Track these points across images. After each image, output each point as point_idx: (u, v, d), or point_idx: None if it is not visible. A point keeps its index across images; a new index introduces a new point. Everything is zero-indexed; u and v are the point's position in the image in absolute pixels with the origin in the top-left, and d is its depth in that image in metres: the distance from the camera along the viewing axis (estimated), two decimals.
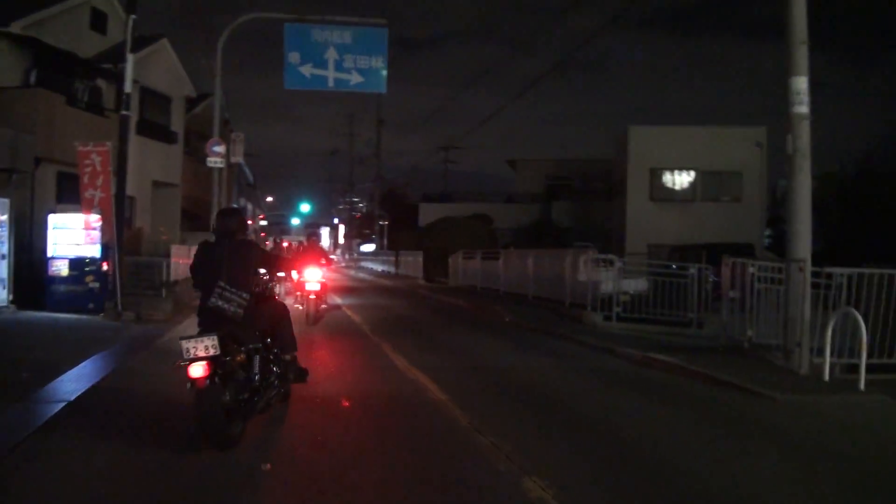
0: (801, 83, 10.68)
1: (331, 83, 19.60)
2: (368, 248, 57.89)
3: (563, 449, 6.18)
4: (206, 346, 5.54)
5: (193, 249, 6.73)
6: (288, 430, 6.50)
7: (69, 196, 18.45)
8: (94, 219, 15.01)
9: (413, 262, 35.91)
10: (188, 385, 5.53)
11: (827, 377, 9.41)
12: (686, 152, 31.36)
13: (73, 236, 15.07)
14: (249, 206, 43.10)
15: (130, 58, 15.62)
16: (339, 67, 19.48)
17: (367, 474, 5.26)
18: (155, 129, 24.01)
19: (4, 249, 15.58)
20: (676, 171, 32.03)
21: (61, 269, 15.08)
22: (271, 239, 29.49)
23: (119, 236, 15.27)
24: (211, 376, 5.56)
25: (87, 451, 5.69)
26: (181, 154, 26.63)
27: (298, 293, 15.87)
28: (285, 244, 26.64)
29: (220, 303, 5.99)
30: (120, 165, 15.61)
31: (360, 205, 68.91)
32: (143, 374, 8.95)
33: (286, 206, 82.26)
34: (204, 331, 5.81)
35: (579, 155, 43.90)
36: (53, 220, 15.23)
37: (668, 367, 10.38)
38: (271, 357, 6.74)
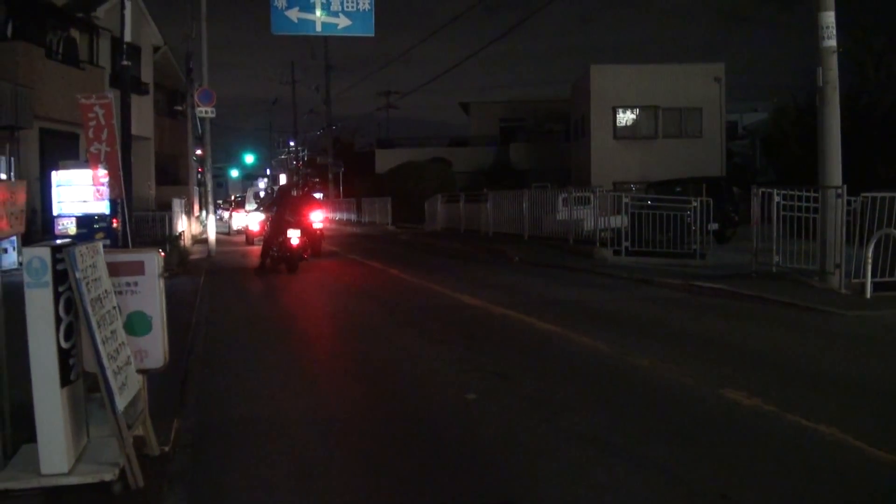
0: (828, 18, 11.13)
1: (318, 27, 19.15)
2: (315, 196, 57.18)
3: (716, 367, 6.38)
4: (298, 234, 14.68)
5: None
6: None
7: (54, 153, 17.85)
8: (102, 174, 14.59)
9: (377, 209, 35.75)
10: (285, 249, 14.66)
11: (869, 295, 10.10)
12: (647, 90, 31.92)
13: (79, 193, 14.63)
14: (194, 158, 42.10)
15: (129, 3, 15.11)
16: (326, 10, 19.11)
17: None
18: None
19: None
20: (638, 109, 32.63)
21: (69, 227, 14.63)
22: (260, 188, 29.05)
23: (128, 191, 14.92)
24: (299, 245, 14.71)
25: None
26: (152, 106, 25.87)
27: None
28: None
29: (292, 219, 14.88)
30: (124, 117, 15.18)
31: (302, 153, 67.60)
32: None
33: (222, 158, 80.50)
34: (293, 231, 14.55)
35: (533, 96, 44.06)
36: (57, 177, 14.73)
37: (718, 293, 10.90)
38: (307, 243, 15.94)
